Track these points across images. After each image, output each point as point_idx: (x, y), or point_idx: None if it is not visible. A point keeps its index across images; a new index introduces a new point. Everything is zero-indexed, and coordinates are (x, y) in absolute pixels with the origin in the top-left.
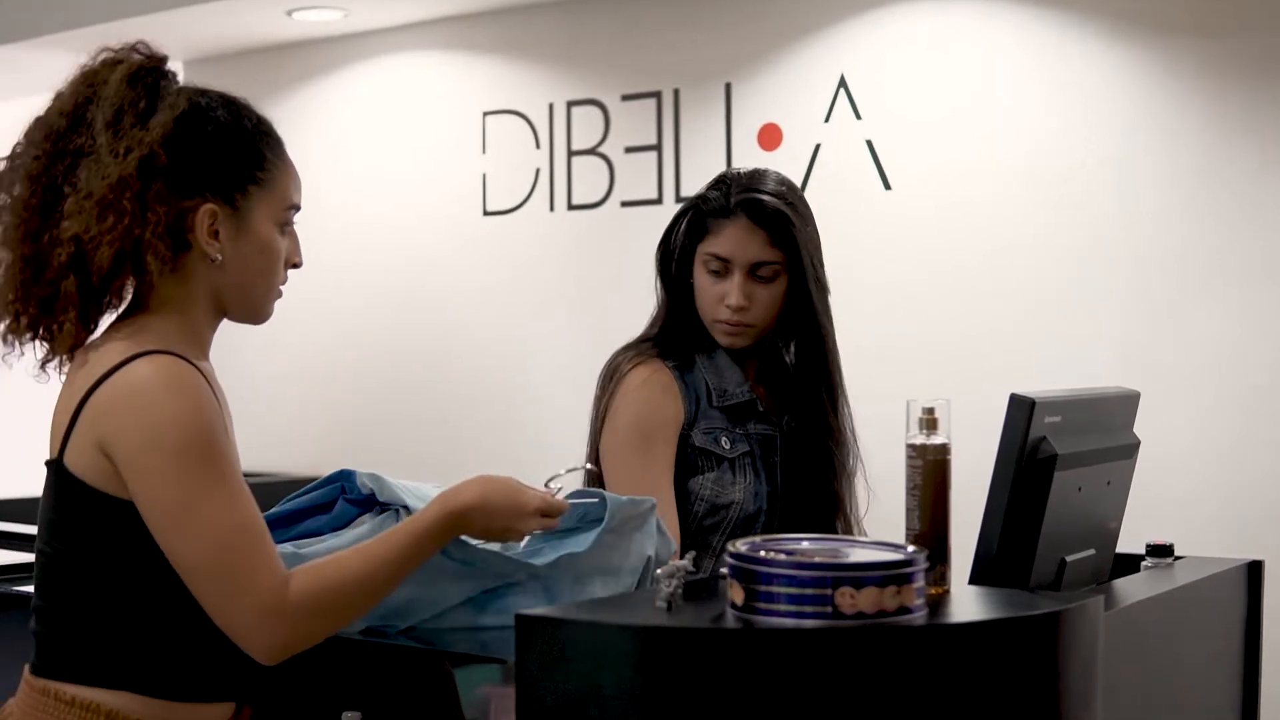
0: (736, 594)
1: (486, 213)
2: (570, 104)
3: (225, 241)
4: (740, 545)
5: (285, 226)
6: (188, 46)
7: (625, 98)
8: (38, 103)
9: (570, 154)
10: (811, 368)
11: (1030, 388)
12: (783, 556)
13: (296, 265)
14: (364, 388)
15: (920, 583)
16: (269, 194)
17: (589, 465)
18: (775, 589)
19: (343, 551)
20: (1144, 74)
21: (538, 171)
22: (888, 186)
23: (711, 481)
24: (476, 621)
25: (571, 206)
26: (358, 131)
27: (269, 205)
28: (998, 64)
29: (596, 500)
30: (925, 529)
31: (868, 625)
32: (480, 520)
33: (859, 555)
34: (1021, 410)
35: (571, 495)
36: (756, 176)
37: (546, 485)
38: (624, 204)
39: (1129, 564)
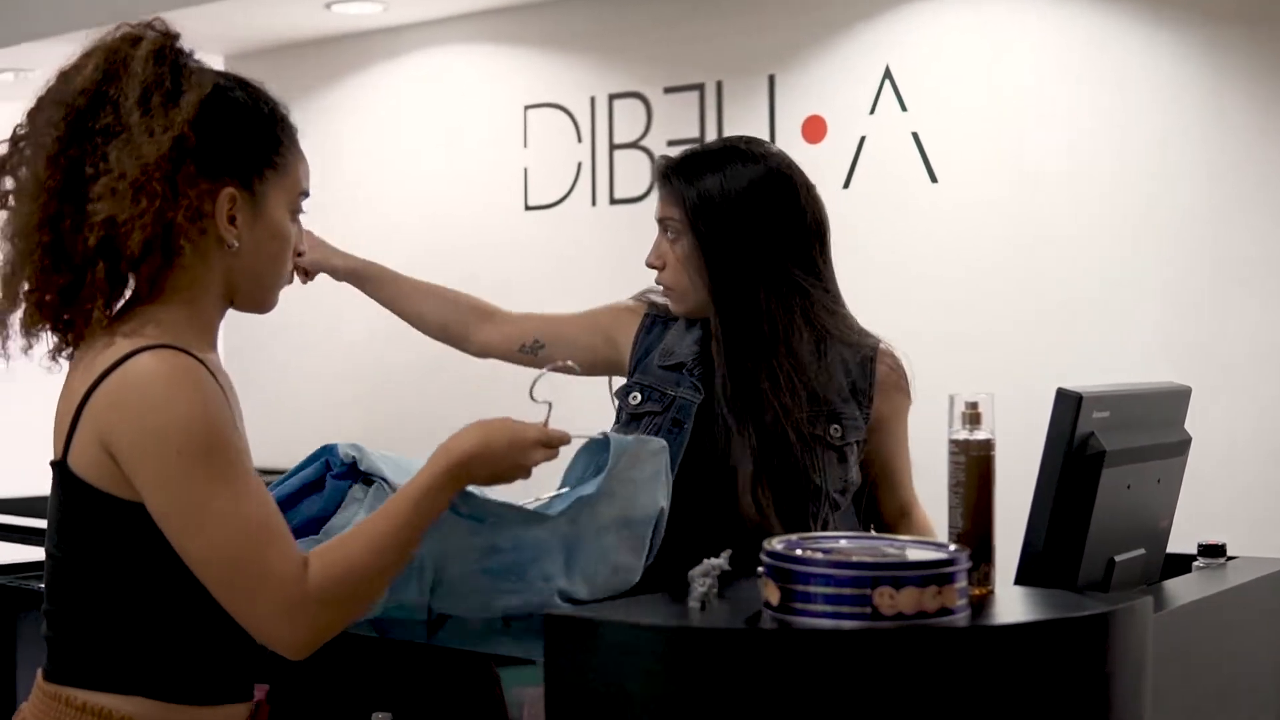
0: (772, 594)
1: (528, 207)
2: (612, 97)
3: (242, 227)
4: (776, 543)
5: (296, 214)
6: (226, 41)
7: (667, 90)
8: None
9: (612, 147)
10: (731, 346)
11: (1077, 382)
12: (820, 555)
13: (300, 254)
14: (402, 384)
15: (962, 583)
16: (284, 180)
17: (570, 362)
18: (812, 589)
19: (348, 531)
20: (1191, 65)
21: (579, 165)
22: (934, 179)
23: (614, 433)
24: (495, 589)
25: (614, 201)
26: (397, 126)
27: (283, 191)
28: (1044, 55)
29: (601, 438)
30: (968, 527)
31: (908, 627)
32: (484, 465)
33: (899, 554)
34: (1069, 405)
35: (582, 449)
36: (718, 139)
37: (530, 394)
38: None
39: (1180, 564)
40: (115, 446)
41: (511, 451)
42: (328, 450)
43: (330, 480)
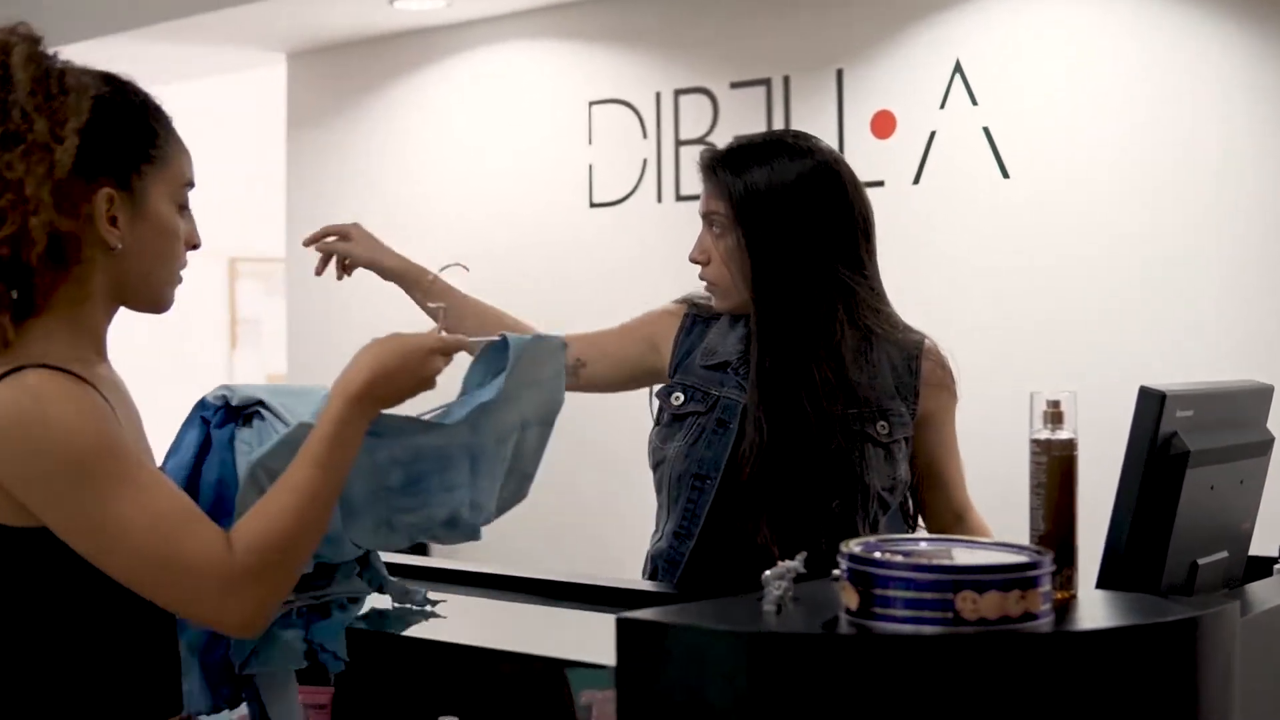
0: (850, 598)
1: (593, 204)
2: (678, 92)
3: (124, 227)
4: (854, 546)
5: (182, 206)
6: (289, 39)
7: (734, 85)
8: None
9: (678, 144)
10: (767, 343)
11: (1154, 379)
12: (900, 558)
13: (195, 246)
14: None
15: (1046, 587)
16: (164, 172)
17: (462, 265)
18: (892, 593)
19: (267, 493)
20: (1263, 60)
21: (645, 162)
22: (1006, 174)
23: (655, 435)
24: (393, 506)
25: (680, 197)
26: (462, 123)
27: (165, 184)
28: (1116, 48)
29: (499, 339)
30: (1050, 529)
31: (991, 632)
32: (386, 388)
33: (981, 557)
34: (1151, 404)
35: (478, 357)
36: (762, 133)
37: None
38: None
39: (1261, 567)
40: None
41: (408, 365)
42: (200, 405)
43: (214, 433)
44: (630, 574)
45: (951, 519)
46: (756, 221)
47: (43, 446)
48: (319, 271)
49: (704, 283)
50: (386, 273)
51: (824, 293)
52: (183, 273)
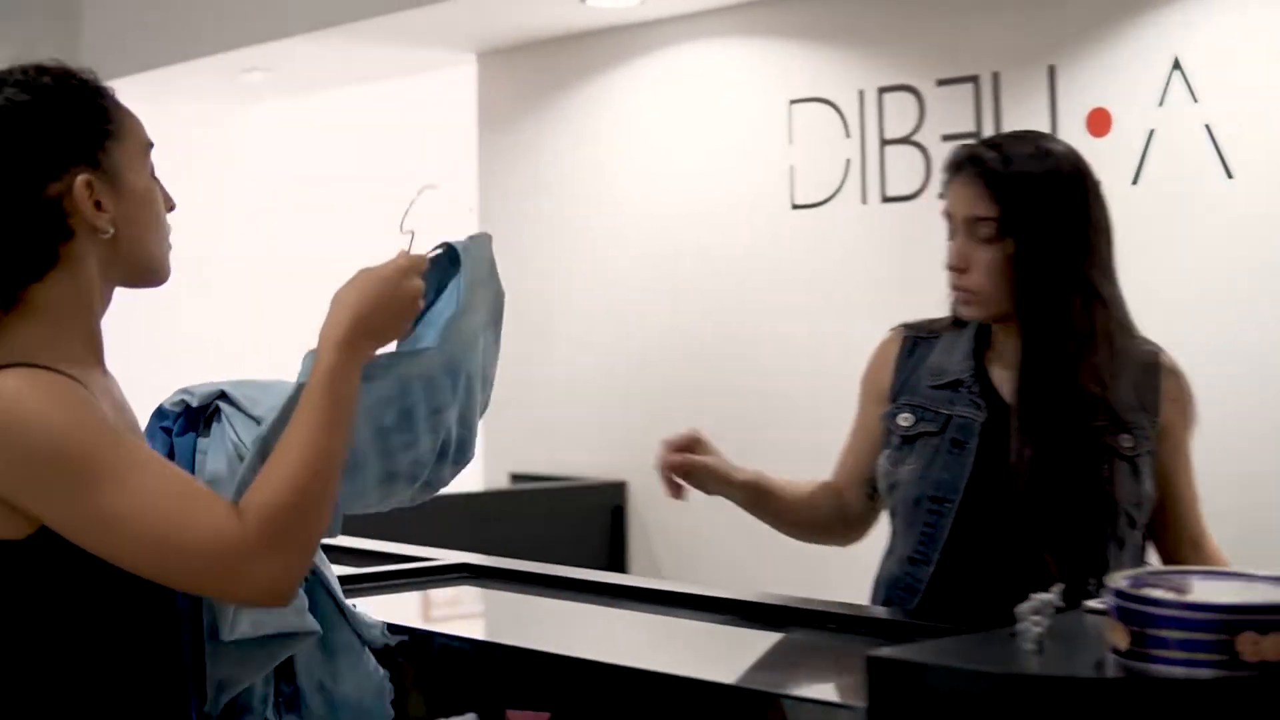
0: (1119, 637)
1: (795, 206)
2: (881, 90)
3: (110, 208)
4: (1122, 581)
5: (153, 171)
6: (479, 38)
7: (940, 83)
8: (336, 95)
9: (883, 143)
10: (1035, 356)
11: None
12: (1173, 595)
13: (172, 208)
14: (666, 389)
15: None
16: (126, 143)
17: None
18: (1165, 633)
19: (270, 459)
20: None
21: (848, 162)
22: (1230, 175)
23: (886, 459)
24: (387, 448)
25: (886, 199)
26: (656, 123)
27: (130, 152)
28: None
29: (442, 250)
30: None
31: (1273, 675)
32: (376, 320)
33: (1260, 594)
34: None
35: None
36: (1007, 134)
37: (400, 228)
38: (941, 195)
39: None
40: None
41: (388, 291)
42: (158, 415)
43: (176, 443)
44: (839, 592)
45: (1187, 546)
46: (1028, 228)
47: (27, 449)
48: (676, 495)
49: (955, 291)
50: (735, 486)
51: (1085, 302)
52: (171, 239)
